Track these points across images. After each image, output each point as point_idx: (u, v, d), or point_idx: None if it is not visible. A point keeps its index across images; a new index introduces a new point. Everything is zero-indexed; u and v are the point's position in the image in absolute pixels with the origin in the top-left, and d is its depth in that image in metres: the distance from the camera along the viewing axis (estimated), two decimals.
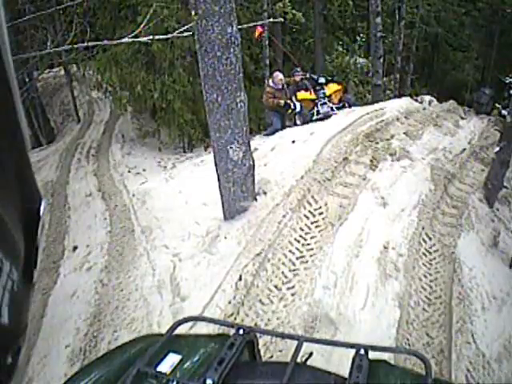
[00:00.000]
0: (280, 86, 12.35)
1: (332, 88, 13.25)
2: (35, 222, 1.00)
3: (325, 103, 12.88)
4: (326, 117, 12.21)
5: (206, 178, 8.26)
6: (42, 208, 1.03)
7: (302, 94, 12.97)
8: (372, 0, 14.20)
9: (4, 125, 0.81)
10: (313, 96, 13.01)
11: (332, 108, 12.83)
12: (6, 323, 0.82)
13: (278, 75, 12.45)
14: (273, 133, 12.55)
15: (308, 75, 13.57)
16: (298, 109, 12.58)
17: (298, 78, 13.00)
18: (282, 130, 12.38)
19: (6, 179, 0.84)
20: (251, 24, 11.94)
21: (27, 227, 0.95)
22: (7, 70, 0.79)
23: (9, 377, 0.88)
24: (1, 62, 0.77)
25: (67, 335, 5.90)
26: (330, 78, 14.46)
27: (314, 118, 12.68)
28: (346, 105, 13.16)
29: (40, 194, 1.03)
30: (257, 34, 12.09)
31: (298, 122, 12.75)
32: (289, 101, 12.41)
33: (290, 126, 12.56)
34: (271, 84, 12.50)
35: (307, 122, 12.22)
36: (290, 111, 12.63)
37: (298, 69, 13.44)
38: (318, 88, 13.05)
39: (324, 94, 12.96)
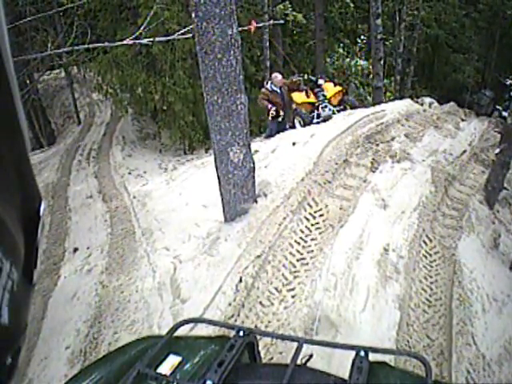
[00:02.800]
0: (278, 89, 12.29)
1: (332, 90, 13.18)
2: (35, 223, 1.01)
3: (326, 106, 12.80)
4: (326, 119, 12.13)
5: (206, 180, 8.28)
6: (41, 208, 1.03)
7: (299, 97, 12.91)
8: (372, 2, 14.21)
9: (4, 125, 0.82)
10: (312, 99, 12.93)
11: (333, 111, 12.76)
12: (6, 323, 0.83)
13: (277, 77, 12.39)
14: (270, 135, 12.54)
15: (306, 77, 13.53)
16: (280, 118, 12.56)
17: (295, 79, 12.96)
18: (278, 132, 12.36)
19: (6, 179, 0.85)
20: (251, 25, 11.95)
21: (27, 227, 0.96)
22: (8, 71, 0.79)
23: (9, 377, 0.88)
24: (1, 63, 0.77)
25: (67, 337, 5.91)
26: (328, 79, 14.42)
27: (315, 121, 12.60)
28: (348, 107, 13.09)
29: (40, 194, 1.04)
30: (252, 28, 11.92)
31: (298, 126, 12.68)
32: (274, 107, 12.35)
33: (291, 128, 12.52)
34: (268, 86, 12.46)
35: (308, 125, 12.15)
36: (271, 118, 12.58)
37: (295, 75, 13.46)
38: (317, 90, 12.98)
39: (324, 96, 12.88)
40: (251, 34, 13.49)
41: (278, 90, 12.31)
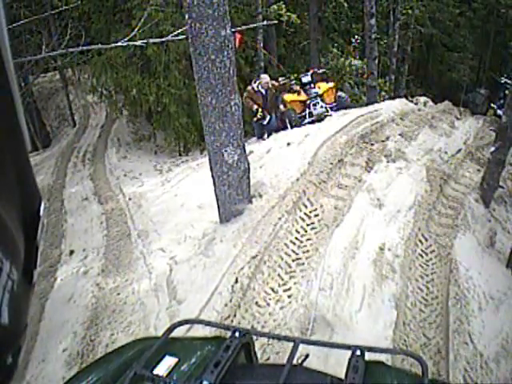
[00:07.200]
0: (263, 91, 12.08)
1: (324, 87, 13.01)
2: (35, 222, 1.01)
3: (317, 103, 12.63)
4: (320, 119, 11.96)
5: (201, 181, 8.28)
6: (41, 208, 1.03)
7: (289, 96, 12.74)
8: (366, 2, 14.20)
9: (4, 125, 0.82)
10: (302, 97, 12.75)
11: (326, 109, 12.61)
12: (6, 323, 0.83)
13: (265, 78, 12.16)
14: (260, 136, 12.46)
15: (293, 77, 13.43)
16: (265, 122, 12.30)
17: (282, 82, 12.83)
18: (262, 134, 12.36)
19: (7, 179, 0.85)
20: (245, 27, 11.92)
21: (27, 227, 0.96)
22: (8, 72, 0.79)
23: (9, 376, 0.89)
24: (1, 64, 0.77)
25: (65, 339, 5.89)
26: (318, 72, 14.27)
27: (306, 121, 12.44)
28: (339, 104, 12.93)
29: (40, 194, 1.04)
30: (237, 42, 11.47)
31: (289, 127, 12.47)
32: (260, 109, 12.12)
33: (283, 129, 12.41)
34: (254, 85, 12.24)
35: (298, 126, 11.98)
36: (256, 119, 12.38)
37: (283, 78, 13.35)
38: (307, 87, 12.82)
39: (316, 93, 12.66)
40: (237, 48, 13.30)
41: (263, 92, 12.05)
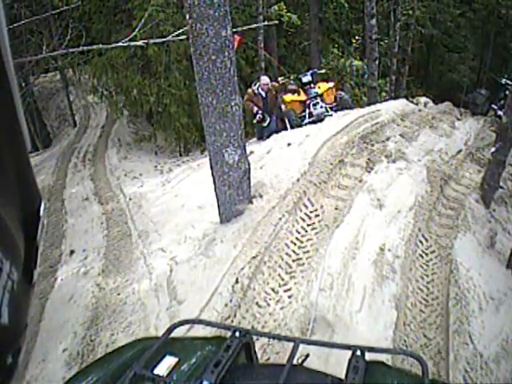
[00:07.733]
0: (262, 92, 12.07)
1: (324, 86, 12.92)
2: (35, 223, 1.01)
3: (317, 103, 12.54)
4: (320, 119, 11.86)
5: (202, 182, 8.27)
6: (41, 208, 1.03)
7: (288, 96, 12.67)
8: (367, 2, 14.16)
9: (5, 126, 0.82)
10: (302, 97, 12.68)
11: (326, 109, 12.54)
12: (6, 323, 0.83)
13: (265, 80, 12.12)
14: (260, 137, 12.43)
15: (292, 77, 13.35)
16: (265, 123, 12.26)
17: (281, 82, 12.75)
18: (262, 136, 12.36)
19: (7, 180, 0.85)
20: (245, 27, 11.90)
21: (27, 227, 0.96)
22: (8, 72, 0.80)
23: (9, 376, 0.89)
24: (1, 65, 0.78)
25: (65, 339, 5.89)
26: (319, 72, 14.21)
27: (306, 121, 12.35)
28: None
29: (40, 194, 1.04)
30: (236, 44, 11.17)
31: (289, 127, 12.38)
32: (260, 111, 12.08)
33: (283, 130, 12.33)
34: (254, 87, 12.22)
35: (299, 126, 11.91)
36: (255, 121, 12.34)
37: (280, 78, 13.29)
38: (307, 87, 12.73)
39: (316, 93, 12.56)
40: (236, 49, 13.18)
41: (263, 94, 12.04)
